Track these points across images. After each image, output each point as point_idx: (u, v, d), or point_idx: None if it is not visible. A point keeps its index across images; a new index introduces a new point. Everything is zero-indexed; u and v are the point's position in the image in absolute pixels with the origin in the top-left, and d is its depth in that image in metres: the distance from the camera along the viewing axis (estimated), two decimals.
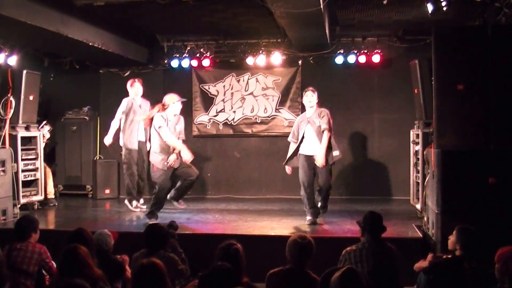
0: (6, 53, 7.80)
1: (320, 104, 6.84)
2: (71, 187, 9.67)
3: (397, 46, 8.88)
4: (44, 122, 8.47)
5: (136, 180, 7.90)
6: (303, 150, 6.72)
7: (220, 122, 9.68)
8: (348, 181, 9.39)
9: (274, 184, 9.49)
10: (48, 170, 8.60)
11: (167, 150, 6.63)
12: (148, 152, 7.26)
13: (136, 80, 8.00)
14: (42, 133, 8.26)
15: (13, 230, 4.77)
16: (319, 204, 6.80)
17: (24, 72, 7.73)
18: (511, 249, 3.65)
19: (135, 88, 7.90)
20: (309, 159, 6.66)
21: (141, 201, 8.03)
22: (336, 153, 6.65)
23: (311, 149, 6.66)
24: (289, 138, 6.96)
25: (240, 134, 9.69)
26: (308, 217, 6.65)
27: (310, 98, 6.72)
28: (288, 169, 6.91)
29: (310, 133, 6.67)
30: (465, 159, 5.32)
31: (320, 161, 6.53)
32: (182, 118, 7.02)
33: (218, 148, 9.65)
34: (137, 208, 7.86)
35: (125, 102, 7.85)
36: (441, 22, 6.88)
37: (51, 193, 8.56)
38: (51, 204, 8.49)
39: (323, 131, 6.56)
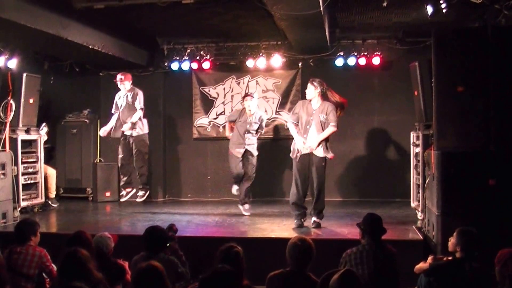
0: (6, 56, 7.78)
1: None
2: (72, 190, 9.67)
3: (397, 48, 8.87)
4: (43, 124, 8.48)
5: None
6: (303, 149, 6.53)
7: (220, 125, 9.66)
8: (348, 184, 9.40)
9: (274, 186, 9.49)
10: (50, 171, 8.60)
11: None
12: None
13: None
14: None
15: (13, 233, 4.78)
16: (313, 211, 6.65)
17: (24, 75, 7.74)
18: (511, 251, 3.65)
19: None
20: (307, 156, 6.54)
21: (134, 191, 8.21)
22: (330, 154, 6.54)
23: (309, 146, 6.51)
24: (289, 119, 6.80)
25: None
26: (296, 221, 6.60)
27: (307, 90, 6.63)
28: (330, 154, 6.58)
29: (312, 129, 6.49)
30: (465, 161, 5.31)
31: (313, 145, 6.41)
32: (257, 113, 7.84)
33: (218, 150, 9.62)
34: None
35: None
36: (441, 24, 6.87)
37: (53, 193, 8.58)
38: (53, 205, 8.51)
39: (329, 125, 6.42)
